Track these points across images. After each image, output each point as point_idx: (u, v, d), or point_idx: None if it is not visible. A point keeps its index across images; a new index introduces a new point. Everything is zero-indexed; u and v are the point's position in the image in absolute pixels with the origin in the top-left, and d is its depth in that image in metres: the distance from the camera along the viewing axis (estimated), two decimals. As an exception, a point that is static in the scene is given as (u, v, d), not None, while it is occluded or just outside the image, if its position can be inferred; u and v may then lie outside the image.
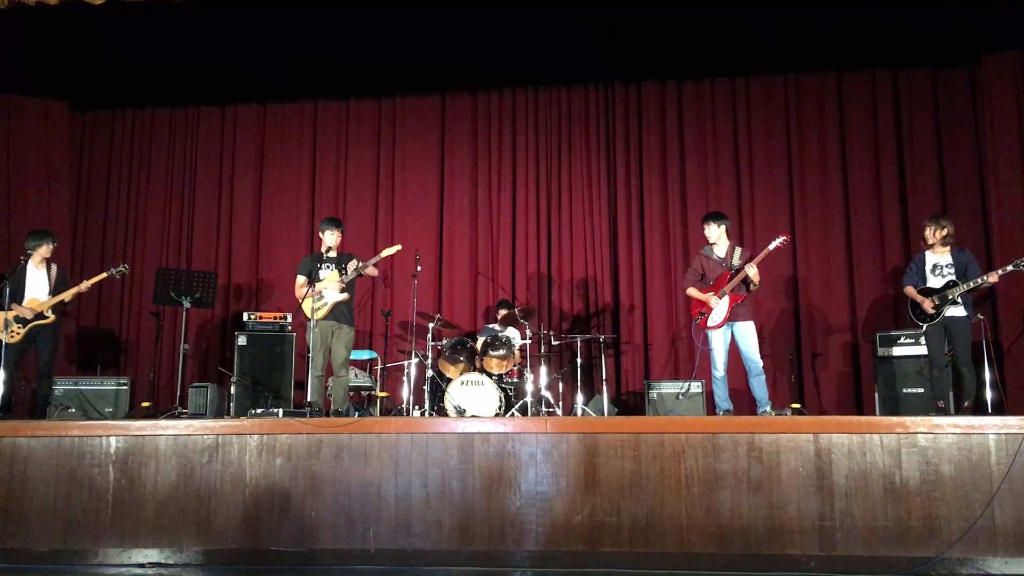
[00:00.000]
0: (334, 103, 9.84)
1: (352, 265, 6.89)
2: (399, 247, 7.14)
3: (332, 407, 6.97)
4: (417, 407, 7.71)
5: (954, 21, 7.93)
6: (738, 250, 6.89)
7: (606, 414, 7.79)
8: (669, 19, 8.06)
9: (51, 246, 7.12)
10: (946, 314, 6.38)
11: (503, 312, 8.26)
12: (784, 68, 9.07)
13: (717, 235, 6.87)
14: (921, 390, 7.34)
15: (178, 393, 7.79)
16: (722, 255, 6.89)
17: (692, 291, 6.90)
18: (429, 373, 7.79)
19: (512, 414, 7.35)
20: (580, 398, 7.90)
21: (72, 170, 9.77)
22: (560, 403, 8.09)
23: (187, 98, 9.90)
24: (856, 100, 8.96)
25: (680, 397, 7.71)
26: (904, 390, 7.47)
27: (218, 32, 8.25)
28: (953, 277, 6.43)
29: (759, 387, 6.67)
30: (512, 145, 9.56)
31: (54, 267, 7.17)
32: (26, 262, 6.99)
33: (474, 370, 7.71)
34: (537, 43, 8.50)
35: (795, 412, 7.32)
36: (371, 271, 6.96)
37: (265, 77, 9.33)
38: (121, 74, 9.18)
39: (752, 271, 6.63)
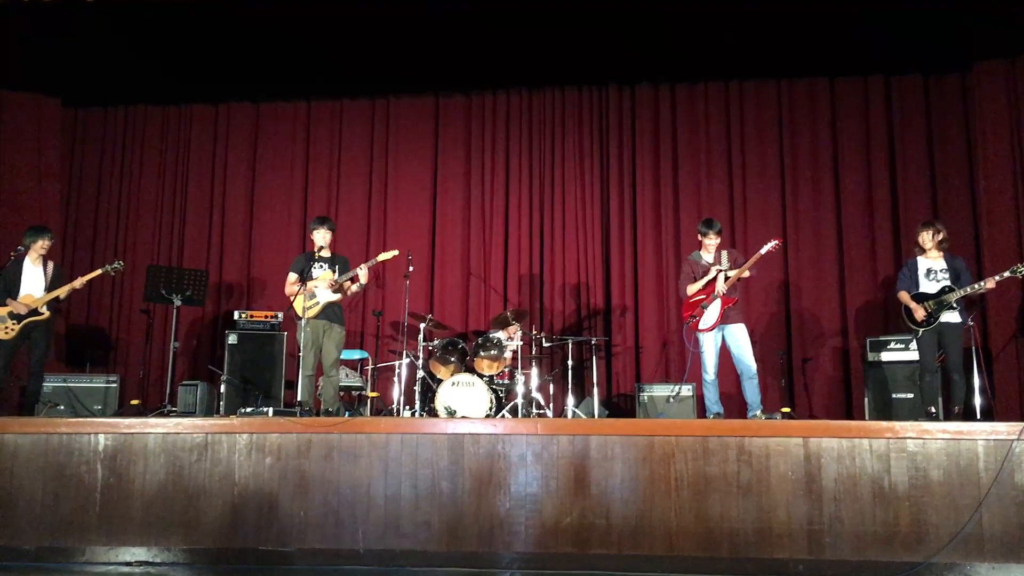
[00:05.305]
0: (328, 102, 9.82)
1: (361, 272, 6.88)
2: (395, 252, 7.12)
3: (322, 407, 6.96)
4: (407, 407, 7.71)
5: (945, 29, 7.97)
6: (725, 253, 6.92)
7: (596, 416, 7.80)
8: (662, 22, 8.07)
9: (48, 242, 7.11)
10: (941, 319, 6.40)
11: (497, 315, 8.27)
12: (777, 73, 9.10)
13: (715, 243, 6.91)
14: (911, 395, 7.35)
15: (167, 391, 7.77)
16: (710, 259, 6.92)
17: (692, 287, 6.90)
18: (420, 374, 7.78)
19: (503, 415, 7.35)
20: (571, 400, 7.89)
21: (64, 166, 9.74)
22: (551, 405, 8.09)
23: (180, 96, 9.86)
24: (848, 106, 9.00)
25: (671, 400, 7.72)
26: (894, 395, 7.49)
27: (212, 30, 8.23)
28: (948, 282, 6.45)
29: (751, 390, 6.69)
30: (505, 146, 9.56)
31: (50, 264, 7.16)
32: (20, 258, 6.98)
33: (465, 371, 7.70)
34: (531, 45, 8.50)
35: (785, 416, 7.33)
36: (363, 276, 6.94)
37: (259, 75, 9.29)
38: (114, 70, 9.14)
39: (747, 275, 6.72)
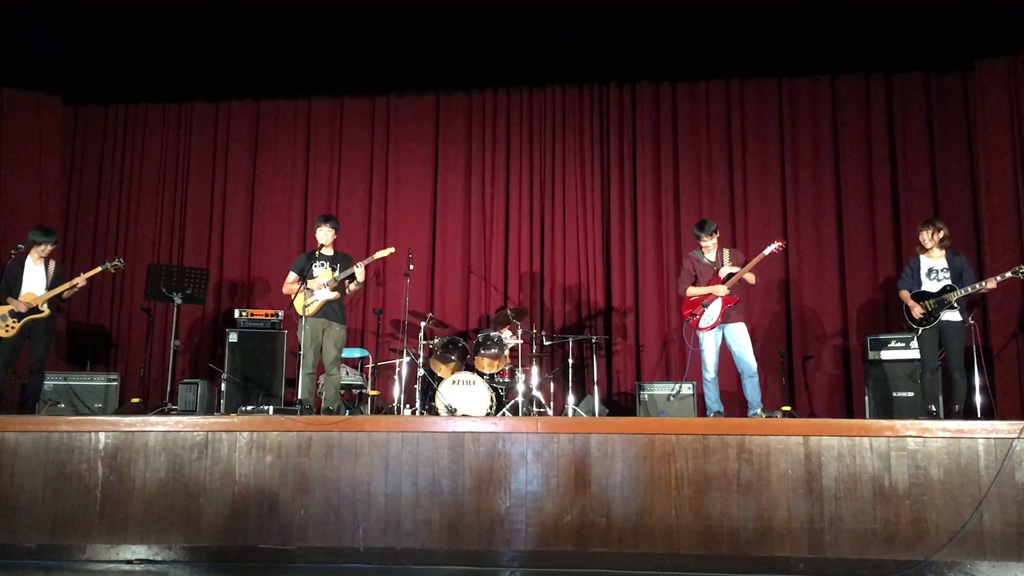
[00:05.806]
0: (328, 100, 9.81)
1: (357, 270, 6.88)
2: (392, 250, 7.13)
3: (323, 405, 6.96)
4: (408, 406, 7.70)
5: (947, 27, 7.96)
6: (727, 252, 6.92)
7: (597, 415, 7.79)
8: (664, 21, 8.06)
9: (50, 247, 7.13)
10: (942, 318, 6.39)
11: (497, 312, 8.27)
12: (778, 71, 9.09)
13: (712, 243, 6.91)
14: (911, 394, 7.34)
15: (168, 389, 7.77)
16: (712, 259, 6.92)
17: (692, 290, 6.89)
18: (420, 372, 7.78)
19: (503, 414, 7.35)
20: (571, 398, 7.89)
21: (64, 164, 9.74)
22: (551, 403, 8.09)
23: (180, 93, 9.86)
24: (849, 104, 8.98)
25: (671, 398, 7.72)
26: (894, 393, 7.48)
27: (212, 27, 8.22)
28: (949, 281, 6.44)
29: (752, 389, 6.69)
30: (506, 145, 9.55)
31: (51, 262, 7.17)
32: (21, 256, 6.99)
33: (465, 369, 7.70)
34: (532, 43, 8.49)
35: (785, 415, 7.33)
36: (360, 274, 6.94)
37: (259, 73, 9.29)
38: (114, 68, 9.14)
39: (751, 278, 6.72)
